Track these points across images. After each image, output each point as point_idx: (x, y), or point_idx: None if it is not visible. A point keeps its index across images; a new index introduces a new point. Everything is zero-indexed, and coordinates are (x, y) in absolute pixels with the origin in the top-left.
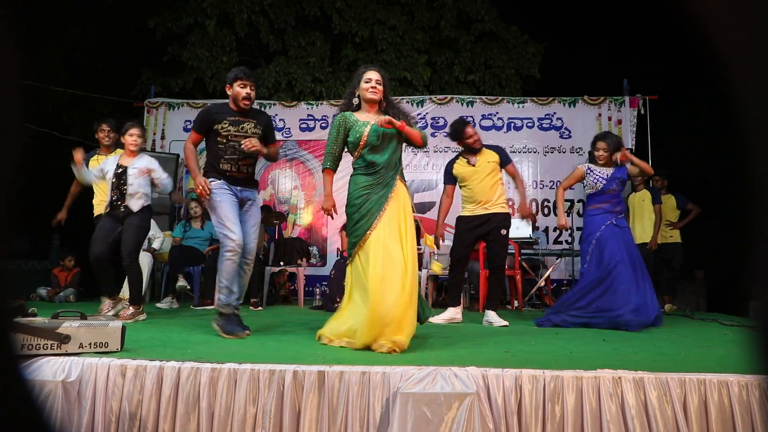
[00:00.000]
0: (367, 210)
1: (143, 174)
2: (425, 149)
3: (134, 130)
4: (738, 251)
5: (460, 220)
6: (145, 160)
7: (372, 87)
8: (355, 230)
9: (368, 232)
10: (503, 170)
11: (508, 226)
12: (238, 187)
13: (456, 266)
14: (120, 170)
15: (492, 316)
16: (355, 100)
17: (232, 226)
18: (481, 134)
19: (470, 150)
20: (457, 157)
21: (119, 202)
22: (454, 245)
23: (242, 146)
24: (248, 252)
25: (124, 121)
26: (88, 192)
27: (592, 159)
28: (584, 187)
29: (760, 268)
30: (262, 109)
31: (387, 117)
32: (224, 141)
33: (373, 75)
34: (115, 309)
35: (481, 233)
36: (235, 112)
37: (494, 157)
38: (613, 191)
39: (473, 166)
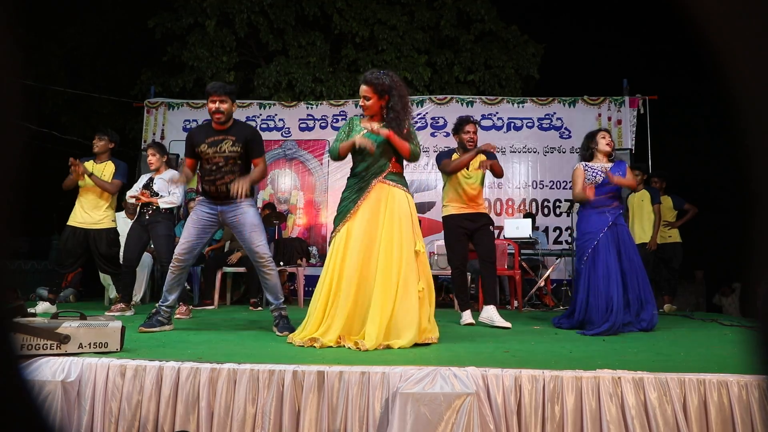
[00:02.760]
0: (340, 211)
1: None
2: (425, 149)
3: (150, 150)
4: (737, 251)
5: (448, 218)
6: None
7: (361, 103)
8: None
9: (338, 229)
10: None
11: (493, 224)
12: (217, 203)
13: (459, 264)
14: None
15: (491, 312)
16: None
17: (181, 241)
18: (481, 134)
19: (464, 148)
20: (452, 152)
21: (144, 209)
22: (449, 243)
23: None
24: (256, 257)
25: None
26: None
27: (586, 158)
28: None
29: (758, 267)
30: (262, 108)
31: (377, 127)
32: (205, 163)
33: (361, 89)
34: (122, 313)
35: (469, 229)
36: (215, 130)
37: (481, 157)
38: (612, 185)
39: (467, 168)
